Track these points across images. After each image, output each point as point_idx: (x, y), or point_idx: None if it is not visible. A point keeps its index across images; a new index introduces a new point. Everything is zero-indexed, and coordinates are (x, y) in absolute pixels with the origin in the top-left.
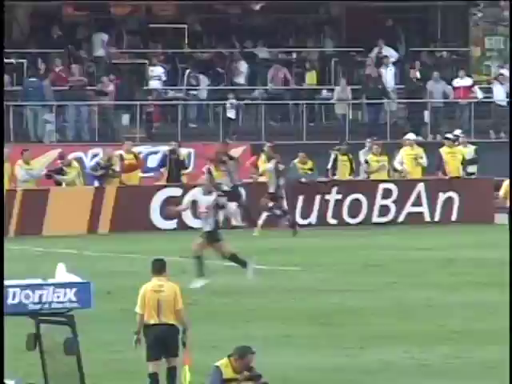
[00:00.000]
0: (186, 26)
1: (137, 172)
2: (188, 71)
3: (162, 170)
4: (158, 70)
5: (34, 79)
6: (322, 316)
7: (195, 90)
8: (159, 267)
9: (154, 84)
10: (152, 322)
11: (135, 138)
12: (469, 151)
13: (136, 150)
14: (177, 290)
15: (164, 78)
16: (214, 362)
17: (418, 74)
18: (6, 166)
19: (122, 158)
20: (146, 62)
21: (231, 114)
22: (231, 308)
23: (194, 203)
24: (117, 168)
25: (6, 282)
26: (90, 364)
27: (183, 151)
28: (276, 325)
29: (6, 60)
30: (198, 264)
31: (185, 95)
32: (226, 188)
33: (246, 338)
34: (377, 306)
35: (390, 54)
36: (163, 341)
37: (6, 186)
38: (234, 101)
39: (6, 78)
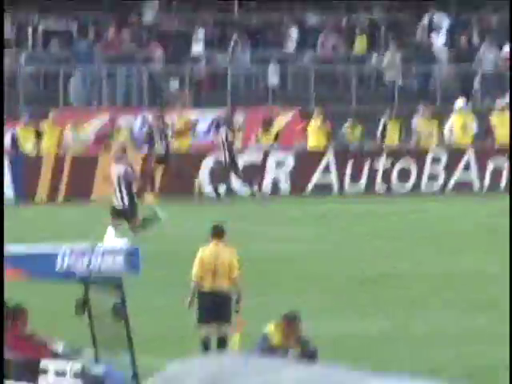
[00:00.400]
0: None
1: (187, 137)
2: (235, 37)
3: (213, 135)
4: (200, 36)
5: (84, 44)
6: (371, 282)
7: (243, 56)
8: (218, 232)
9: (198, 49)
10: (207, 286)
11: (182, 104)
12: None
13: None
14: (234, 256)
15: (205, 44)
16: (263, 329)
17: (474, 39)
18: (55, 131)
19: (173, 123)
20: (195, 27)
21: (274, 79)
22: (279, 275)
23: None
24: (168, 133)
25: (56, 248)
26: (138, 329)
27: (238, 117)
28: (324, 291)
29: (55, 25)
30: (148, 223)
31: (232, 61)
32: (159, 153)
33: (294, 305)
34: (425, 273)
35: (441, 19)
36: (216, 306)
37: (54, 151)
38: (276, 67)
39: (56, 42)
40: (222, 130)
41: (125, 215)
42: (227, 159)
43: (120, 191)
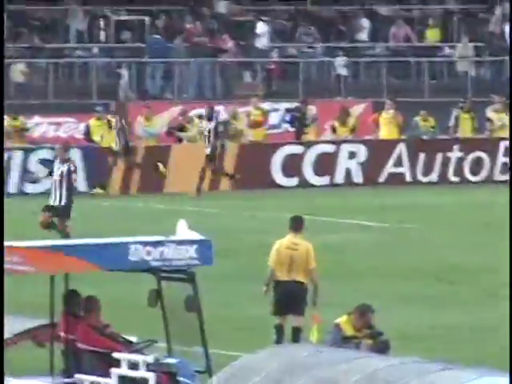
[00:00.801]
0: None
1: (263, 128)
2: (305, 28)
3: (287, 126)
4: (270, 27)
5: (158, 36)
6: (443, 274)
7: (314, 47)
8: (297, 224)
9: (268, 40)
10: (282, 278)
11: (255, 95)
12: None
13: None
14: (310, 249)
15: (276, 35)
16: (336, 320)
17: None
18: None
19: (248, 114)
20: (267, 18)
21: (342, 71)
22: (352, 266)
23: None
24: (241, 125)
25: (128, 239)
26: (210, 321)
27: (310, 109)
28: (397, 283)
29: (127, 17)
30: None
31: (302, 53)
32: (116, 148)
33: (367, 296)
34: (497, 264)
35: None
36: (291, 298)
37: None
38: (344, 58)
39: (128, 34)
40: (213, 122)
41: (57, 213)
42: (208, 151)
43: (60, 189)
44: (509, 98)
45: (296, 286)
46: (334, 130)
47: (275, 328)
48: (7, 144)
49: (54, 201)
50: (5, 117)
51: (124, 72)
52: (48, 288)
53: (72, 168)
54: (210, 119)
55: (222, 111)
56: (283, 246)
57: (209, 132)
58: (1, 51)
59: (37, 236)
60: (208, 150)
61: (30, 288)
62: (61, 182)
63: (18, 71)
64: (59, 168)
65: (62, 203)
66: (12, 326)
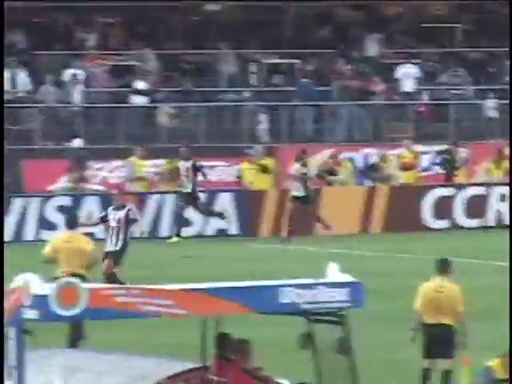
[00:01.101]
0: (458, 25)
1: (415, 171)
2: (454, 70)
3: (437, 169)
4: (412, 70)
5: (308, 80)
6: None
7: (464, 89)
8: (444, 267)
9: (412, 83)
10: (430, 321)
11: (405, 138)
12: None
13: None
14: (458, 292)
15: (425, 76)
16: (487, 363)
17: None
18: (273, 165)
19: (400, 157)
20: (419, 61)
21: (493, 113)
22: (502, 308)
23: (104, 218)
24: (391, 168)
25: (279, 282)
26: (362, 364)
27: (460, 151)
28: None
29: (278, 60)
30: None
31: (452, 95)
32: (186, 190)
33: None
34: None
35: None
36: (440, 341)
37: (268, 185)
38: (495, 100)
39: (279, 77)
40: (297, 164)
41: (114, 257)
42: (302, 194)
43: (117, 235)
44: None
45: (444, 330)
46: (488, 172)
47: (422, 372)
48: (161, 187)
49: (110, 246)
50: (162, 160)
51: (262, 117)
52: (199, 331)
53: (131, 215)
54: (303, 164)
55: (373, 154)
56: (430, 288)
57: (303, 175)
58: (1, 57)
59: (181, 279)
60: (301, 193)
61: (181, 331)
62: (119, 228)
63: (164, 114)
64: (116, 214)
65: (117, 249)
66: (165, 369)
